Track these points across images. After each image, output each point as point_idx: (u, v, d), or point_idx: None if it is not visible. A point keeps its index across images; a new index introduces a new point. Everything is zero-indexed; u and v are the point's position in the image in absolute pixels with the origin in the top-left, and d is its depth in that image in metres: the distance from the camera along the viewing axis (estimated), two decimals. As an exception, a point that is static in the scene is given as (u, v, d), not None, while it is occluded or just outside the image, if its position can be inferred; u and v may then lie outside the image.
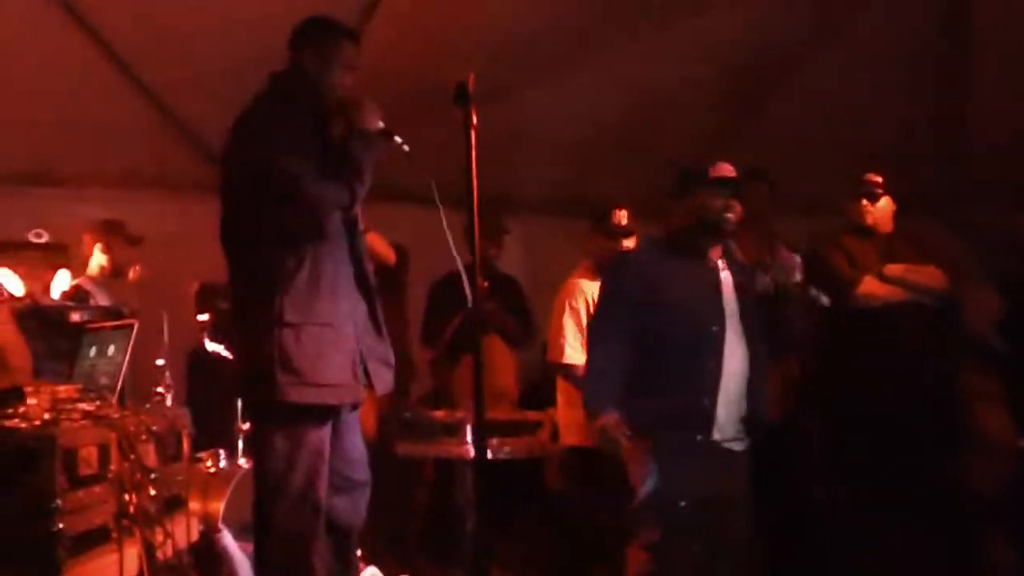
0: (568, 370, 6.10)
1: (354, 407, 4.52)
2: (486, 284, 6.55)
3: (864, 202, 6.42)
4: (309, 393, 4.28)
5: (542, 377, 7.10)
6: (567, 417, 6.20)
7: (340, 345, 4.36)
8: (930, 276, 6.19)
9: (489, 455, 6.09)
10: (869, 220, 6.39)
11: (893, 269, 6.17)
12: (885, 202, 6.43)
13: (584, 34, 6.86)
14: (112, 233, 6.73)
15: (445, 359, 6.81)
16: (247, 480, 5.43)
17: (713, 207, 4.79)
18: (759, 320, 4.89)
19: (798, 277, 4.93)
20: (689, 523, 4.68)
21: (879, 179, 6.44)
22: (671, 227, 4.92)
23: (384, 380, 4.55)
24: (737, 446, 4.83)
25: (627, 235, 6.22)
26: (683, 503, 4.67)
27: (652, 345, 4.73)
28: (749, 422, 4.83)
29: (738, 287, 4.89)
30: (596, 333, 4.95)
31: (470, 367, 4.26)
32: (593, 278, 6.13)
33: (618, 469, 6.01)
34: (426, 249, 7.31)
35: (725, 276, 4.88)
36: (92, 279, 6.72)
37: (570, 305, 6.17)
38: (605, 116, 7.39)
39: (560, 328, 6.16)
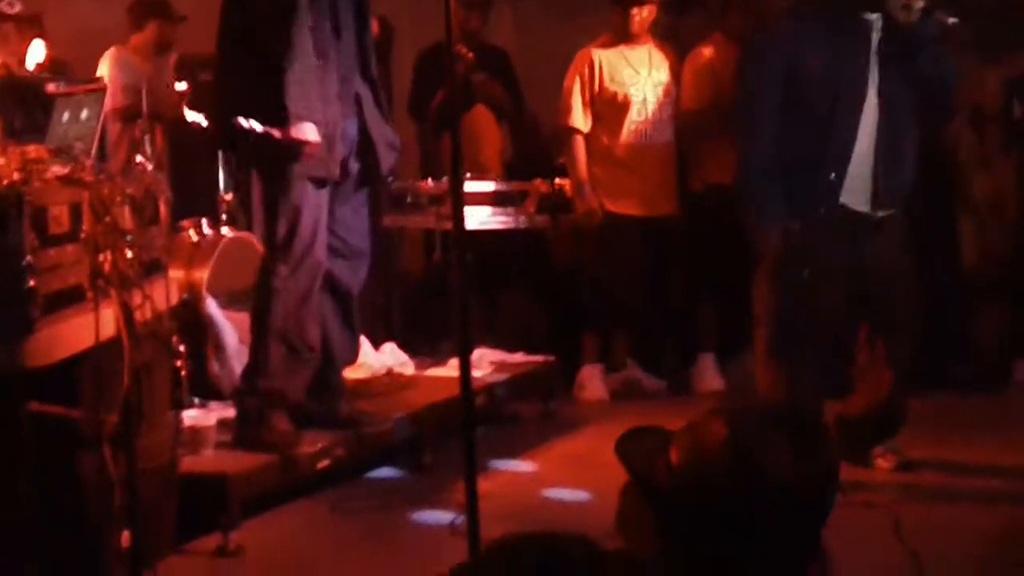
0: (572, 133, 6.28)
1: (361, 185, 4.88)
2: (471, 55, 6.47)
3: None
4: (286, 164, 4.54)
5: (530, 149, 7.06)
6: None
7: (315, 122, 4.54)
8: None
9: (473, 226, 6.11)
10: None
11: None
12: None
13: None
14: (161, 11, 6.67)
15: (432, 130, 6.73)
16: (231, 249, 5.45)
17: None
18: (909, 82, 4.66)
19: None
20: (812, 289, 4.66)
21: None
22: None
23: (388, 161, 4.90)
24: (878, 213, 4.73)
25: (636, 3, 6.22)
26: (806, 272, 4.63)
27: (789, 118, 4.65)
28: (887, 190, 4.71)
29: (885, 50, 4.63)
30: (748, 121, 4.86)
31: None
32: (607, 47, 6.33)
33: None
34: (412, 22, 7.23)
35: (874, 39, 4.63)
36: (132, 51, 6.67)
37: (580, 73, 6.31)
38: None
39: (570, 93, 6.31)
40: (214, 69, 4.86)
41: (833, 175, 4.60)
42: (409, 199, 6.30)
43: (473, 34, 6.73)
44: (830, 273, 4.68)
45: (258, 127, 4.46)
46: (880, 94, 4.64)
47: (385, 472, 5.18)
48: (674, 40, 6.59)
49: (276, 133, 4.44)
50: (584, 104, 6.27)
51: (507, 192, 6.33)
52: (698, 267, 6.38)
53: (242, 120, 4.46)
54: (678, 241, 6.38)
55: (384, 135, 4.87)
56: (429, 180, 6.31)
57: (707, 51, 6.30)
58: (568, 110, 6.30)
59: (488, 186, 6.31)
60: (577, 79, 6.31)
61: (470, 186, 5.93)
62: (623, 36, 6.32)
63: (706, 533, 1.68)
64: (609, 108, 6.28)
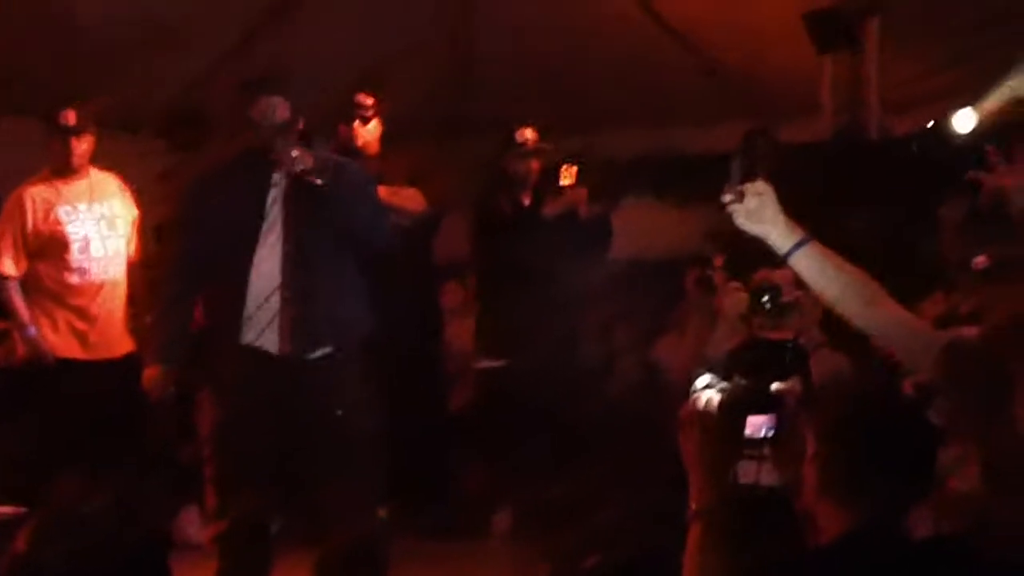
0: (4, 282, 5.85)
1: None
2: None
3: (356, 124, 6.43)
4: None
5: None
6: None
7: None
8: (410, 198, 6.25)
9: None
10: (359, 142, 6.40)
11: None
12: (374, 125, 6.45)
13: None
14: None
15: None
16: None
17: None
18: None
19: None
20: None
21: (370, 100, 6.45)
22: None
23: None
24: (304, 353, 4.70)
25: (74, 132, 5.83)
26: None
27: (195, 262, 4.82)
28: (311, 330, 4.70)
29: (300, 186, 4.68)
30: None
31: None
32: (42, 183, 5.88)
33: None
34: None
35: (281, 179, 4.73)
36: None
37: (10, 215, 5.85)
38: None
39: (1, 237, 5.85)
40: None
41: (230, 314, 4.70)
42: None
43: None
44: (249, 413, 4.69)
45: None
46: (288, 234, 4.71)
47: None
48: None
49: None
50: (16, 248, 5.82)
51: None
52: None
53: None
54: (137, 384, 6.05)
55: None
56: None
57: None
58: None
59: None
60: (6, 222, 5.85)
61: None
62: (62, 169, 5.89)
63: None
64: (48, 248, 5.86)
